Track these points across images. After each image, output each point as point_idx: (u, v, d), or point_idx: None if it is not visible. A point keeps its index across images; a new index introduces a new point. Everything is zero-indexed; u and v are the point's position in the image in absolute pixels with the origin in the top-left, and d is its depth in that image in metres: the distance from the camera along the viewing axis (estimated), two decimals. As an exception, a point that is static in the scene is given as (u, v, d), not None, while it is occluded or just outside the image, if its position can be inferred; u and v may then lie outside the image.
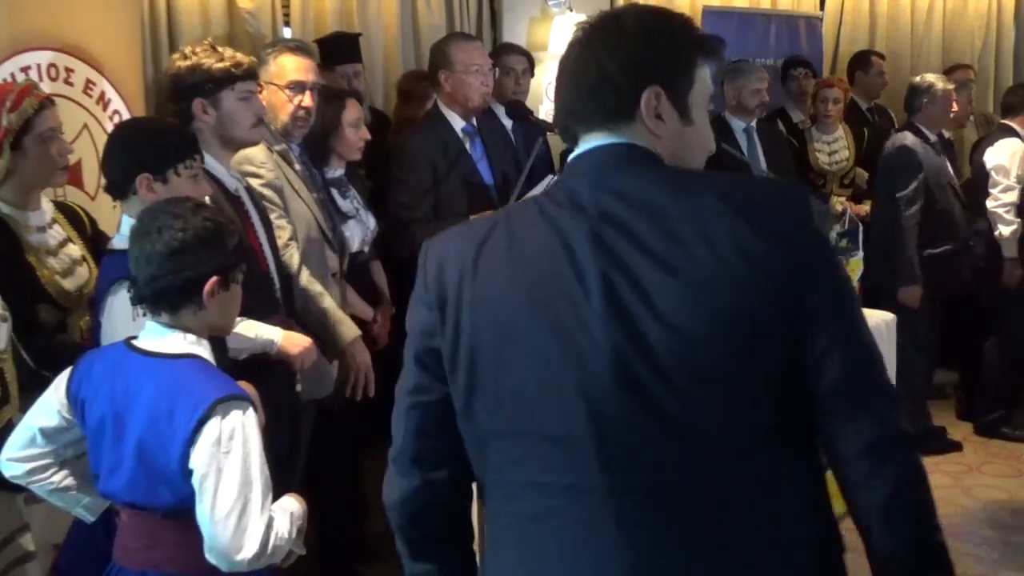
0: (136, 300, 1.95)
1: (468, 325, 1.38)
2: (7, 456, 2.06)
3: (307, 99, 3.13)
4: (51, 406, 2.02)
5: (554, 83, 1.50)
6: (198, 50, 2.72)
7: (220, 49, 2.73)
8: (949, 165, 4.93)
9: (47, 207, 2.65)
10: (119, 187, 2.32)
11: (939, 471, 4.50)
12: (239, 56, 2.72)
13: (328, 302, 3.03)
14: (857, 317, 1.34)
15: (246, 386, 1.95)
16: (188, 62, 2.69)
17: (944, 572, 1.35)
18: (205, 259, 1.92)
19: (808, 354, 1.30)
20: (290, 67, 3.11)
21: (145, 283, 1.91)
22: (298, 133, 3.18)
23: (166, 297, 1.92)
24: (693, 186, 1.36)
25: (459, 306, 1.39)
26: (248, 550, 1.82)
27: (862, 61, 6.01)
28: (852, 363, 1.31)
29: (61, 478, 2.08)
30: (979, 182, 5.02)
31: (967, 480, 4.52)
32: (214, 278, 1.93)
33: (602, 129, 1.42)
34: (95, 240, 2.70)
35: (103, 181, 2.42)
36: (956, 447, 4.88)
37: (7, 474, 2.08)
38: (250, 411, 1.87)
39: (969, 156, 5.90)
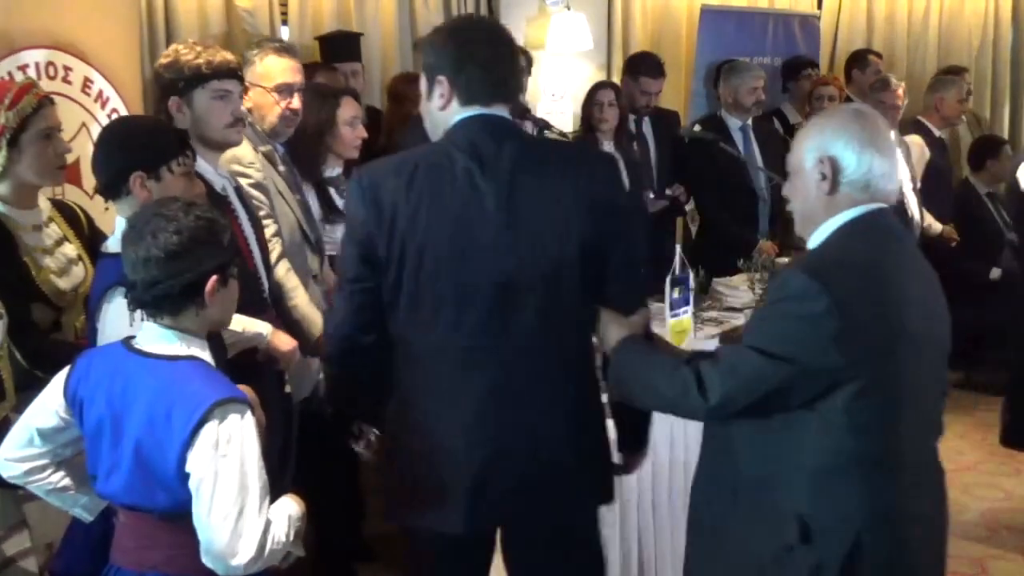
0: (135, 306, 1.93)
1: (400, 232, 2.03)
2: (5, 456, 2.05)
3: (295, 101, 3.11)
4: (49, 406, 2.01)
5: (468, 45, 2.08)
6: (180, 47, 2.70)
7: (200, 47, 2.69)
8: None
9: (44, 205, 2.63)
10: (112, 187, 2.29)
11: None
12: (213, 54, 2.67)
13: (301, 297, 2.98)
14: (641, 245, 2.34)
15: (244, 388, 1.94)
16: (168, 60, 2.68)
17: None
18: (204, 259, 1.90)
19: (607, 266, 2.11)
20: (277, 69, 3.08)
21: (145, 288, 1.89)
22: (285, 132, 3.16)
23: (168, 301, 1.90)
24: (555, 146, 2.47)
25: (394, 219, 2.03)
26: (244, 555, 1.81)
27: (859, 60, 6.01)
28: (633, 268, 2.18)
29: (59, 478, 2.07)
30: (1013, 197, 4.95)
31: (965, 478, 4.52)
32: (214, 277, 1.92)
33: (505, 103, 2.12)
34: (93, 239, 2.67)
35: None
36: None
37: (5, 474, 2.07)
38: (248, 414, 1.86)
39: (968, 156, 5.95)
